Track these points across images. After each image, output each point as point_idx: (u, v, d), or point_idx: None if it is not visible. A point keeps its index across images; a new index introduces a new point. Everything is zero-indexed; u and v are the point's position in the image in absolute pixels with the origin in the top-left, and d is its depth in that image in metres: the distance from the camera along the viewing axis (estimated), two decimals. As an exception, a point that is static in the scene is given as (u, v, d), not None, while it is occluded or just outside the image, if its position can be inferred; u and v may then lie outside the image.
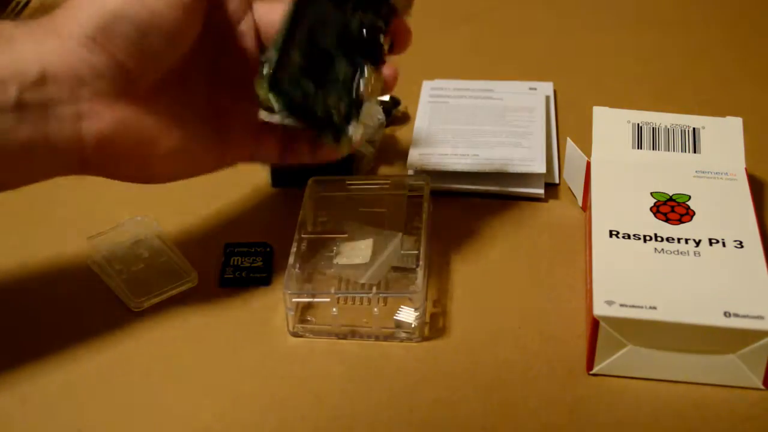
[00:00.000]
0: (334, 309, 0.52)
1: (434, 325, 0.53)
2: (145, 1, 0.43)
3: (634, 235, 0.52)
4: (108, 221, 0.58)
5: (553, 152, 0.64)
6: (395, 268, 0.54)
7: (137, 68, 0.44)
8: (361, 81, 0.49)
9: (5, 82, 0.42)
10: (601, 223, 0.53)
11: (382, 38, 0.50)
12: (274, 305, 0.54)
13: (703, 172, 0.57)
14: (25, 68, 0.42)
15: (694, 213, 0.54)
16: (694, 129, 0.59)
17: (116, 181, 0.62)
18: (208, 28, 0.48)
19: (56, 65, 0.43)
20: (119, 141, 0.45)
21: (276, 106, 0.45)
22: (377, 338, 0.52)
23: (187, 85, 0.48)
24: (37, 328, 0.53)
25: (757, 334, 0.47)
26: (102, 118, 0.44)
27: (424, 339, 0.52)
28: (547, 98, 0.68)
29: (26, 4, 0.80)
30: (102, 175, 0.48)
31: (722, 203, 0.55)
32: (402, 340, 0.52)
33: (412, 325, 0.51)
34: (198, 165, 0.50)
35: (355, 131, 0.49)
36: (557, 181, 0.62)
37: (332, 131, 0.48)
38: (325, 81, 0.48)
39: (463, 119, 0.66)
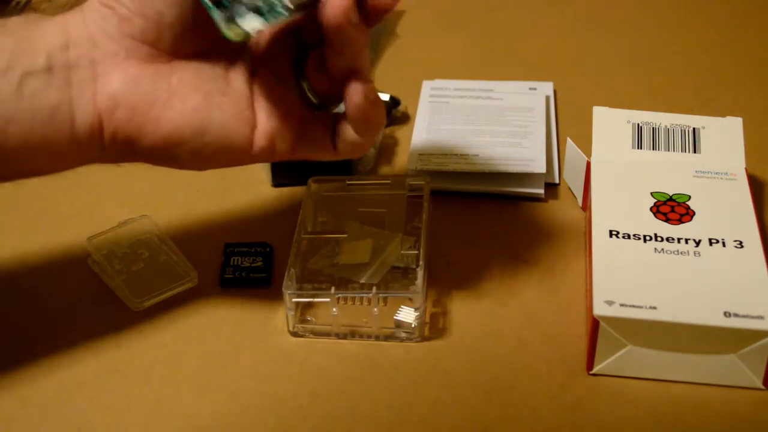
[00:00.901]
0: (334, 309, 0.52)
1: (434, 325, 0.53)
2: None
3: (634, 235, 0.52)
4: (108, 221, 0.58)
5: (553, 152, 0.64)
6: (395, 268, 0.54)
7: (142, 27, 0.46)
8: None
9: (36, 48, 0.45)
10: (601, 223, 0.53)
11: None
12: (274, 305, 0.54)
13: (703, 172, 0.57)
14: (52, 36, 0.45)
15: (694, 213, 0.54)
16: (694, 129, 0.59)
17: (116, 181, 0.62)
18: None
19: (76, 31, 0.46)
20: (126, 99, 0.46)
21: None
22: (377, 338, 0.52)
23: (213, 60, 0.47)
24: (37, 328, 0.53)
25: (757, 334, 0.47)
26: (111, 78, 0.46)
27: (424, 339, 0.52)
28: (547, 98, 0.68)
29: (26, 4, 0.80)
30: (123, 154, 0.47)
31: (722, 203, 0.55)
32: (402, 340, 0.52)
33: (412, 325, 0.51)
34: (227, 135, 0.47)
35: (248, 22, 0.44)
36: (557, 181, 0.62)
37: (224, 11, 0.44)
38: None
39: (463, 119, 0.66)
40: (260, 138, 0.48)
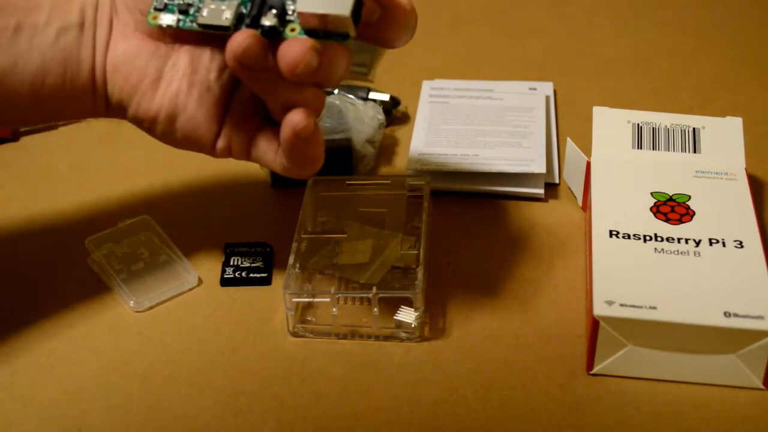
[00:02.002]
0: (334, 309, 0.52)
1: (434, 325, 0.53)
2: None
3: (634, 235, 0.52)
4: (108, 221, 0.58)
5: (553, 152, 0.64)
6: (395, 268, 0.54)
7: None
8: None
9: (71, 5, 0.48)
10: (601, 223, 0.53)
11: None
12: (274, 305, 0.54)
13: (703, 172, 0.57)
14: None
15: (694, 213, 0.54)
16: (694, 129, 0.59)
17: (116, 181, 0.62)
18: None
19: None
20: (123, 68, 0.48)
21: None
22: (377, 338, 0.52)
23: (212, 53, 0.49)
24: (37, 328, 0.53)
25: (757, 334, 0.47)
26: (117, 45, 0.48)
27: (424, 339, 0.52)
28: (547, 98, 0.68)
29: None
30: (119, 114, 0.50)
31: (722, 203, 0.55)
32: (402, 340, 0.52)
33: (412, 325, 0.51)
34: (195, 128, 0.49)
35: (167, 17, 0.47)
36: (557, 181, 0.62)
37: None
38: None
39: (463, 119, 0.66)
40: (222, 137, 0.49)
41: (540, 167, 0.61)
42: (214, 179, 0.61)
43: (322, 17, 0.44)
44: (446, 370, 0.50)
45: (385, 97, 0.67)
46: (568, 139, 0.60)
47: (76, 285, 0.55)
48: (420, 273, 0.52)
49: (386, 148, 0.65)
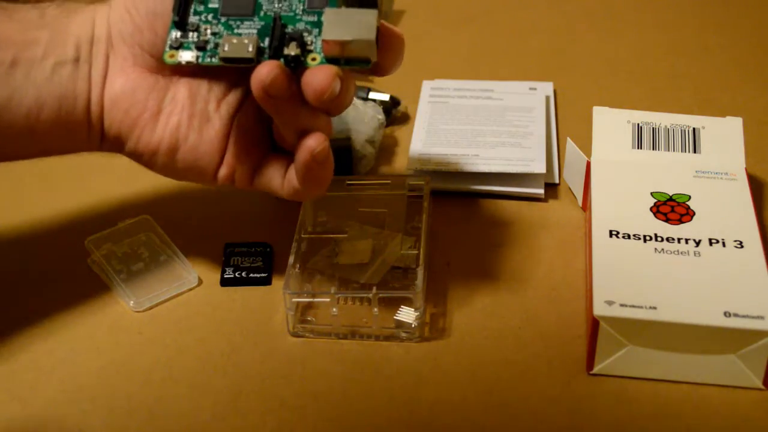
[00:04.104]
0: (334, 309, 0.52)
1: (434, 326, 0.53)
2: None
3: (634, 235, 0.52)
4: (108, 221, 0.58)
5: (553, 152, 0.64)
6: (395, 268, 0.54)
7: (150, 41, 0.49)
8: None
9: (67, 40, 0.48)
10: (601, 223, 0.53)
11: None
12: (274, 305, 0.54)
13: (703, 172, 0.57)
14: (82, 28, 0.49)
15: (694, 213, 0.54)
16: (694, 129, 0.59)
17: (116, 181, 0.62)
18: None
19: (100, 28, 0.49)
20: (122, 102, 0.49)
21: None
22: (377, 338, 0.52)
23: (210, 84, 0.49)
24: (37, 328, 0.53)
25: (757, 334, 0.47)
26: (115, 80, 0.49)
27: (424, 339, 0.52)
28: (547, 98, 0.68)
29: None
30: (115, 148, 0.51)
31: (722, 203, 0.55)
32: (402, 341, 0.52)
33: (412, 325, 0.51)
34: (197, 159, 0.50)
35: (186, 54, 0.48)
36: (557, 181, 0.62)
37: (180, 36, 0.48)
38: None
39: (463, 119, 0.66)
40: (224, 167, 0.50)
41: (540, 167, 0.61)
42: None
43: (347, 44, 0.45)
44: (446, 370, 0.50)
45: (385, 97, 0.67)
46: (568, 139, 0.60)
47: (76, 285, 0.55)
48: (420, 273, 0.52)
49: (386, 148, 0.65)
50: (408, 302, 0.51)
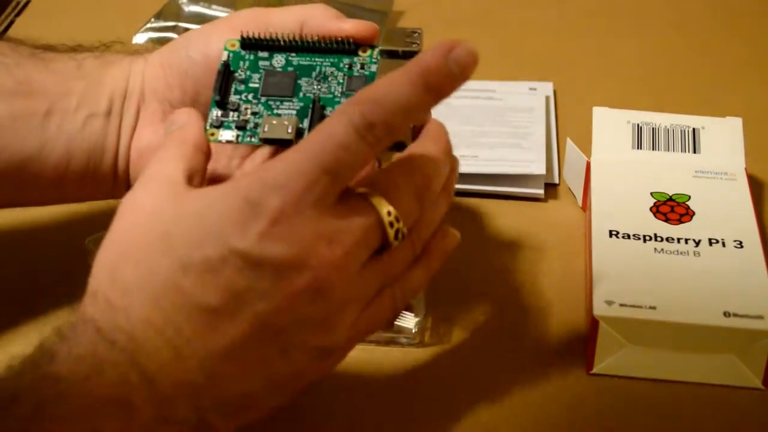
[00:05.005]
0: (334, 310, 0.51)
1: (435, 331, 0.52)
2: (203, 48, 0.48)
3: (634, 235, 0.52)
4: (108, 221, 0.58)
5: (553, 152, 0.64)
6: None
7: (180, 99, 0.49)
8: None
9: (101, 92, 0.49)
10: (601, 223, 0.53)
11: None
12: (274, 305, 0.54)
13: (703, 172, 0.57)
14: (116, 82, 0.49)
15: (693, 213, 0.54)
16: (694, 129, 0.59)
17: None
18: None
19: (134, 82, 0.49)
20: (148, 155, 0.48)
21: None
22: (377, 343, 0.51)
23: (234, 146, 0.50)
24: (37, 329, 0.53)
25: (757, 334, 0.47)
26: (143, 134, 0.49)
27: (425, 344, 0.52)
28: (547, 98, 0.68)
29: (26, 5, 0.80)
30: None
31: (722, 203, 0.55)
32: (402, 346, 0.51)
33: (413, 331, 0.51)
34: None
35: (226, 133, 0.47)
36: (557, 181, 0.62)
37: (222, 115, 0.47)
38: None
39: (463, 119, 0.66)
40: None
41: (540, 168, 0.61)
42: (214, 179, 0.61)
43: None
44: (446, 375, 0.50)
45: (385, 97, 0.67)
46: (568, 140, 0.60)
47: (77, 285, 0.55)
48: (420, 275, 0.51)
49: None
50: (408, 307, 0.51)
